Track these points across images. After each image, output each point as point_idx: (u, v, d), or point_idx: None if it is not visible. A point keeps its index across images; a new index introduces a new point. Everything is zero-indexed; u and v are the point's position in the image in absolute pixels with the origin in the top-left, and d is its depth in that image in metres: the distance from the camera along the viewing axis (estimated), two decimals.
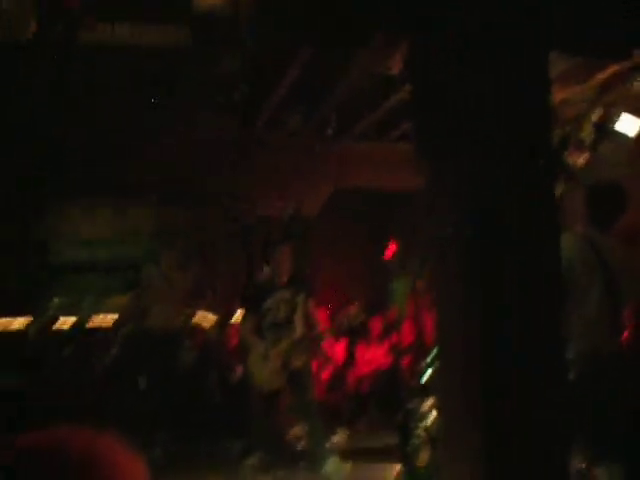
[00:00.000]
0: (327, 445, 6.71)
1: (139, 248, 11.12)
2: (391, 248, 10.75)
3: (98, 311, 10.65)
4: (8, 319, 9.50)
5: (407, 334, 9.23)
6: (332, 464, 6.48)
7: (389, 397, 8.19)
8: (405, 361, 8.76)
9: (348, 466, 6.59)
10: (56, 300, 11.14)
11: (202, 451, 7.16)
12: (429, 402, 5.55)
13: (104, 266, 12.29)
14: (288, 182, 9.16)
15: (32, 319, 9.47)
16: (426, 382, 5.80)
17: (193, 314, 8.33)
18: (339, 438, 8.11)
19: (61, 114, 7.88)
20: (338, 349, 9.01)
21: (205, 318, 8.91)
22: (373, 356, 8.94)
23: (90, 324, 9.93)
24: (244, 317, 7.28)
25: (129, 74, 7.93)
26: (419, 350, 8.37)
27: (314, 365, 8.64)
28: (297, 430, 7.36)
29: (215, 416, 8.34)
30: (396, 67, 4.85)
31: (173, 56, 7.71)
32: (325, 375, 8.86)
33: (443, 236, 3.13)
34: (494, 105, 2.96)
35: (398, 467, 6.09)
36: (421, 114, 3.24)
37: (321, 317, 8.82)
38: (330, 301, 9.53)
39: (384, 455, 6.97)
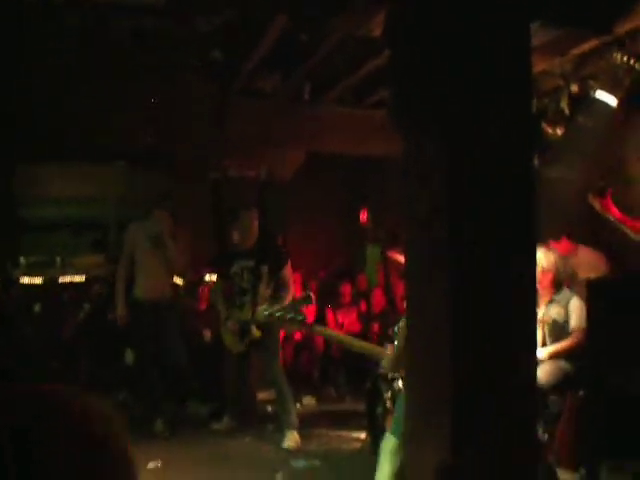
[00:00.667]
0: (294, 412, 6.62)
1: (107, 210, 11.10)
2: (364, 214, 10.77)
3: (67, 270, 10.61)
4: None
5: (378, 301, 9.27)
6: (289, 439, 6.42)
7: (358, 363, 8.24)
8: (375, 327, 8.81)
9: (298, 439, 6.47)
10: (23, 260, 11.07)
11: (171, 415, 7.14)
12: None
13: (72, 226, 12.25)
14: (260, 147, 9.08)
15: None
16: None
17: None
18: (307, 403, 8.17)
19: (30, 76, 7.72)
20: (308, 311, 9.02)
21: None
22: (344, 320, 8.96)
23: (61, 281, 9.89)
24: (215, 281, 7.26)
25: (103, 34, 7.79)
26: (389, 317, 8.41)
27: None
28: (267, 393, 7.38)
29: (183, 380, 8.36)
30: (378, 29, 4.77)
31: (148, 15, 7.59)
32: (297, 336, 8.89)
33: (418, 206, 3.11)
34: (475, 73, 2.93)
35: (364, 433, 6.16)
36: (399, 81, 3.19)
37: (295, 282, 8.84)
38: (302, 266, 9.53)
39: (351, 421, 7.04)
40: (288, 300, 6.42)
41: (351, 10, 4.68)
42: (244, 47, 7.21)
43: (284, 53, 7.26)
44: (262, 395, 7.65)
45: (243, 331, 6.52)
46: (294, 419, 6.48)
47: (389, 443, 4.04)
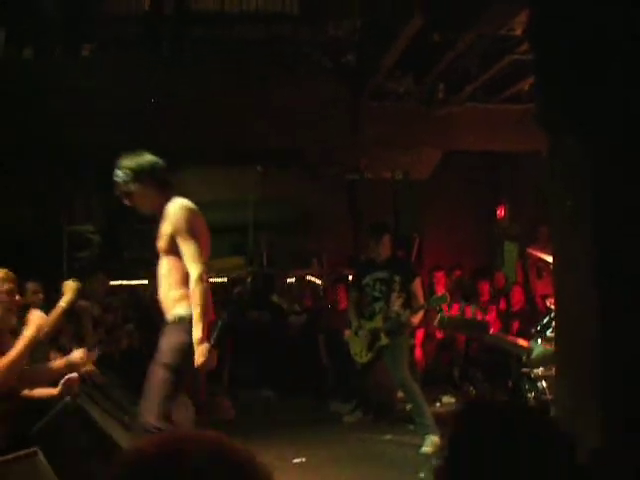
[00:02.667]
0: (429, 414, 6.54)
1: (245, 212, 11.36)
2: (502, 211, 10.60)
3: (209, 271, 10.95)
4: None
5: (517, 299, 9.07)
6: (428, 444, 6.26)
7: (498, 362, 8.13)
8: (515, 326, 8.64)
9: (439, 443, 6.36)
10: None
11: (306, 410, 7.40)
12: (540, 369, 5.50)
13: (212, 228, 12.63)
14: (395, 148, 9.10)
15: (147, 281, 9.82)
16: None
17: None
18: (446, 402, 8.13)
19: (173, 86, 8.06)
20: (451, 311, 8.97)
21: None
22: (483, 319, 8.84)
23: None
24: (349, 291, 7.39)
25: (238, 42, 8.05)
26: (529, 316, 8.25)
27: (430, 327, 8.66)
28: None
29: (321, 377, 8.54)
30: (519, 28, 4.68)
31: (281, 22, 7.78)
32: (439, 335, 8.86)
33: (564, 203, 3.08)
34: (623, 72, 2.87)
35: None
36: (543, 81, 3.17)
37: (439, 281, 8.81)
38: (441, 264, 9.52)
39: None
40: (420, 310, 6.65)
41: (493, 10, 4.62)
42: (377, 50, 7.27)
43: (417, 55, 7.27)
44: (402, 394, 7.67)
45: (373, 339, 6.61)
46: (430, 422, 6.37)
47: None
